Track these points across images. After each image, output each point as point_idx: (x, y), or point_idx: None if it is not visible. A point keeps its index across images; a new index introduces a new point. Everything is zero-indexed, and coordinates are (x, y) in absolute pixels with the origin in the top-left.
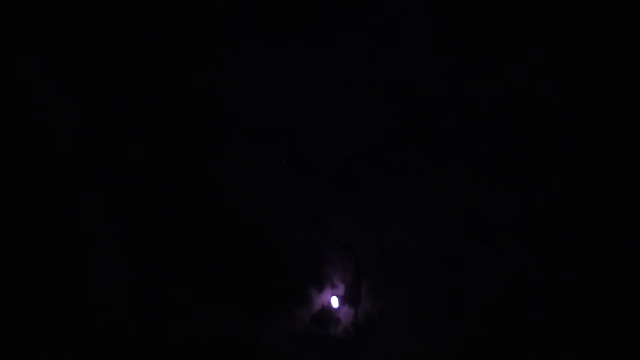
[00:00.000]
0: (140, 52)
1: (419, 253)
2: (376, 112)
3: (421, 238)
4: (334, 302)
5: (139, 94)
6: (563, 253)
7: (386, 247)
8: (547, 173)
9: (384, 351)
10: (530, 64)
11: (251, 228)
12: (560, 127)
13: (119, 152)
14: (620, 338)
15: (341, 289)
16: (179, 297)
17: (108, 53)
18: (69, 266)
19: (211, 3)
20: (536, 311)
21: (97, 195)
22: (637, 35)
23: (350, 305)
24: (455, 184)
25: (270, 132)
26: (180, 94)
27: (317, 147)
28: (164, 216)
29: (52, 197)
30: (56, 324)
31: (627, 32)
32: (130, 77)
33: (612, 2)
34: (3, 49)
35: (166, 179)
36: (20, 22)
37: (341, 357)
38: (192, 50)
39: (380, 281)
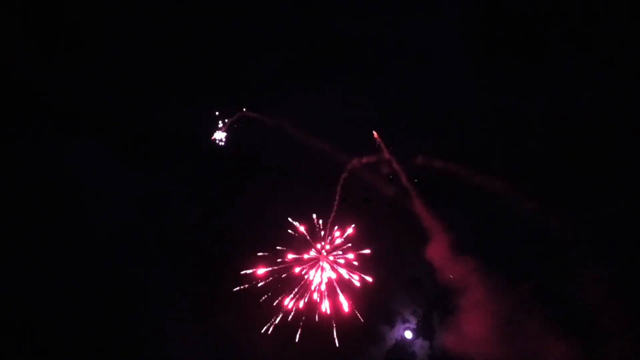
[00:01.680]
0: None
1: (488, 279)
2: (425, 139)
3: (488, 264)
4: (408, 335)
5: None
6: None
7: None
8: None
9: None
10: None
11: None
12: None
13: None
14: None
15: (413, 323)
16: (253, 346)
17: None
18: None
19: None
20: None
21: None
22: None
23: (425, 337)
24: (519, 209)
25: (319, 174)
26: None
27: (370, 189)
28: (216, 267)
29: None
30: None
31: None
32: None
33: None
34: (60, 131)
35: (222, 233)
36: (75, 106)
37: None
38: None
39: (452, 312)
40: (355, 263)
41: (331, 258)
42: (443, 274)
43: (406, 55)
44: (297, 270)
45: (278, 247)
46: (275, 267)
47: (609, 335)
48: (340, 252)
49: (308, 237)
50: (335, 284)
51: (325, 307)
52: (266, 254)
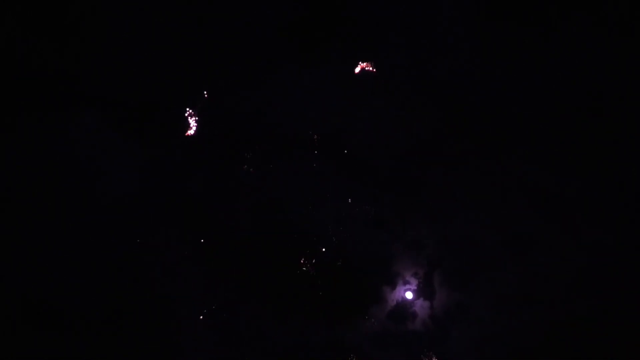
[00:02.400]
0: (189, 91)
1: (491, 241)
2: (425, 108)
3: (491, 226)
4: (409, 295)
5: (190, 128)
6: None
7: (455, 239)
8: (621, 152)
9: (465, 341)
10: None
11: (317, 238)
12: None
13: (181, 186)
14: None
15: (414, 284)
16: (258, 314)
17: (161, 96)
18: (151, 294)
19: (249, 32)
20: (620, 294)
21: (167, 229)
22: None
23: (425, 298)
24: (519, 169)
25: (324, 142)
26: (232, 122)
27: (372, 151)
28: (232, 238)
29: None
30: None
31: None
32: (181, 115)
33: None
34: (65, 102)
35: (228, 202)
36: (80, 78)
37: (422, 351)
38: (239, 79)
39: (453, 273)
40: None
41: None
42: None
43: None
44: None
45: None
46: None
47: None
48: None
49: None
50: None
51: None
52: None
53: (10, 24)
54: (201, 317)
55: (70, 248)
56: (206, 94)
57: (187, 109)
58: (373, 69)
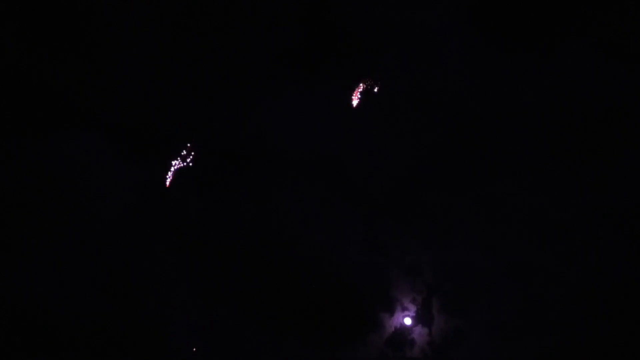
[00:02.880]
0: (190, 114)
1: (489, 266)
2: (423, 132)
3: (489, 251)
4: (407, 321)
5: (191, 151)
6: None
7: (453, 264)
8: (615, 172)
9: None
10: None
11: (313, 262)
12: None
13: (180, 205)
14: None
15: (412, 310)
16: (254, 337)
17: (159, 119)
18: (149, 317)
19: (250, 56)
20: (621, 316)
21: (166, 250)
22: None
23: (424, 324)
24: (517, 193)
25: (320, 166)
26: (228, 143)
27: (370, 175)
28: (231, 260)
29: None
30: None
31: None
32: (182, 137)
33: None
34: (65, 124)
35: (227, 225)
36: (80, 100)
37: None
38: (236, 101)
39: (451, 298)
40: None
41: None
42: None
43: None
44: None
45: None
46: None
47: None
48: None
49: None
50: None
51: None
52: None
53: (14, 43)
54: (198, 340)
55: (67, 262)
56: (206, 117)
57: (186, 133)
58: (370, 93)
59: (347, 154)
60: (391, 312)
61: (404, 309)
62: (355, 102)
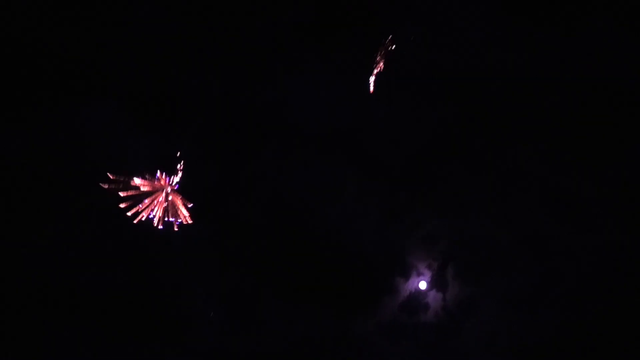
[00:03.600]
0: (206, 84)
1: (505, 237)
2: (440, 104)
3: (504, 221)
4: (422, 285)
5: (207, 120)
6: None
7: (469, 234)
8: (633, 144)
9: (477, 334)
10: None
11: (334, 230)
12: None
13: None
14: None
15: (428, 276)
16: (271, 303)
17: (176, 88)
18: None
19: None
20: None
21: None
22: None
23: (438, 290)
24: (534, 164)
25: (338, 137)
26: (246, 115)
27: (386, 146)
28: (249, 228)
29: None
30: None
31: None
32: (198, 107)
33: None
34: (81, 93)
35: (245, 195)
36: (96, 69)
37: (434, 342)
38: (254, 73)
39: (466, 266)
40: None
41: None
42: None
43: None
44: None
45: None
46: None
47: None
48: None
49: None
50: None
51: None
52: None
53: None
54: (216, 306)
55: (83, 235)
56: (223, 88)
57: (202, 101)
58: (388, 66)
59: (366, 126)
60: (406, 277)
61: (419, 274)
62: (372, 75)
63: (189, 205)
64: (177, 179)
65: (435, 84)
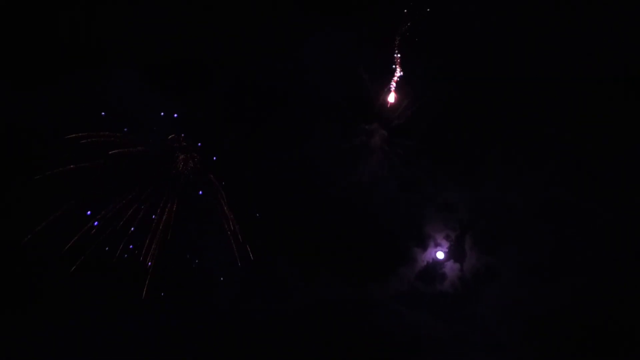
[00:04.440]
0: (224, 53)
1: (523, 206)
2: (460, 74)
3: (523, 191)
4: (440, 255)
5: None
6: None
7: (488, 203)
8: None
9: (494, 303)
10: None
11: (352, 198)
12: None
13: (217, 143)
14: None
15: (445, 246)
16: (292, 270)
17: (196, 55)
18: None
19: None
20: None
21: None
22: None
23: (456, 260)
24: (553, 133)
25: (355, 107)
26: (264, 85)
27: (405, 117)
28: (267, 196)
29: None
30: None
31: None
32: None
33: None
34: (101, 61)
35: (263, 163)
36: (116, 38)
37: (450, 311)
38: (269, 45)
39: (484, 237)
40: None
41: None
42: None
43: None
44: None
45: None
46: None
47: None
48: None
49: None
50: None
51: None
52: None
53: None
54: (233, 270)
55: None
56: (242, 56)
57: (222, 69)
58: (407, 33)
59: (385, 95)
60: (424, 247)
61: (437, 244)
62: (396, 43)
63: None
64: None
65: (457, 52)
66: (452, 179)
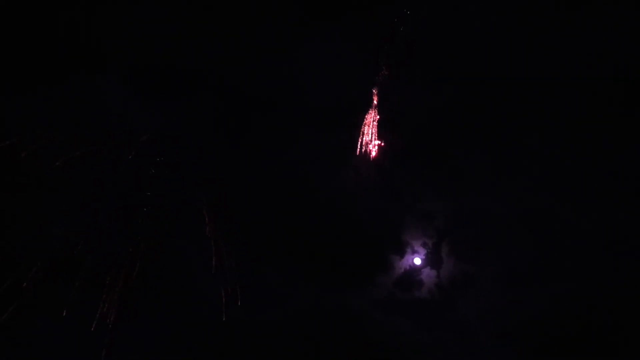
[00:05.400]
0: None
1: (501, 214)
2: (443, 85)
3: (501, 199)
4: (417, 261)
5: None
6: None
7: (467, 212)
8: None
9: (470, 311)
10: None
11: (332, 207)
12: None
13: (203, 147)
14: None
15: (422, 253)
16: (272, 280)
17: (183, 59)
18: (166, 254)
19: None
20: (633, 268)
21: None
22: None
23: (432, 267)
24: (536, 144)
25: (341, 114)
26: (251, 91)
27: (389, 125)
28: (250, 203)
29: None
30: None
31: None
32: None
33: None
34: (85, 66)
35: (248, 169)
36: (101, 42)
37: (427, 317)
38: (259, 51)
39: (462, 244)
40: None
41: None
42: None
43: None
44: None
45: None
46: None
47: None
48: None
49: None
50: None
51: None
52: None
53: None
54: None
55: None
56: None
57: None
58: (391, 41)
59: (366, 104)
60: (401, 254)
61: (414, 252)
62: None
63: None
64: None
65: (439, 62)
66: (430, 187)
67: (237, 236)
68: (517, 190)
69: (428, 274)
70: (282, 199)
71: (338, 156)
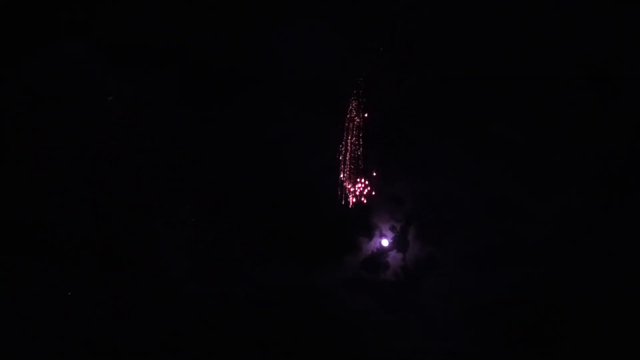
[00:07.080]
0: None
1: (468, 199)
2: (417, 69)
3: (470, 185)
4: (384, 243)
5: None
6: (616, 192)
7: (434, 196)
8: (598, 111)
9: (434, 293)
10: None
11: (301, 186)
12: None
13: (173, 124)
14: None
15: (390, 237)
16: (238, 256)
17: (156, 33)
18: (136, 232)
19: None
20: (590, 254)
21: (156, 163)
22: None
23: (399, 250)
24: (500, 130)
25: (316, 94)
26: (225, 66)
27: (362, 106)
28: (220, 181)
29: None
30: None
31: None
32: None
33: None
34: (53, 34)
35: (220, 146)
36: (69, 9)
37: (392, 299)
38: (235, 25)
39: (428, 228)
40: None
41: None
42: None
43: None
44: None
45: None
46: None
47: None
48: None
49: None
50: None
51: None
52: None
53: None
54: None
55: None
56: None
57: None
58: (371, 29)
59: (341, 84)
60: (369, 237)
61: (382, 235)
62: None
63: None
64: None
65: (418, 48)
66: (399, 171)
67: (206, 211)
68: (485, 177)
69: (394, 257)
70: (255, 176)
71: (317, 137)
